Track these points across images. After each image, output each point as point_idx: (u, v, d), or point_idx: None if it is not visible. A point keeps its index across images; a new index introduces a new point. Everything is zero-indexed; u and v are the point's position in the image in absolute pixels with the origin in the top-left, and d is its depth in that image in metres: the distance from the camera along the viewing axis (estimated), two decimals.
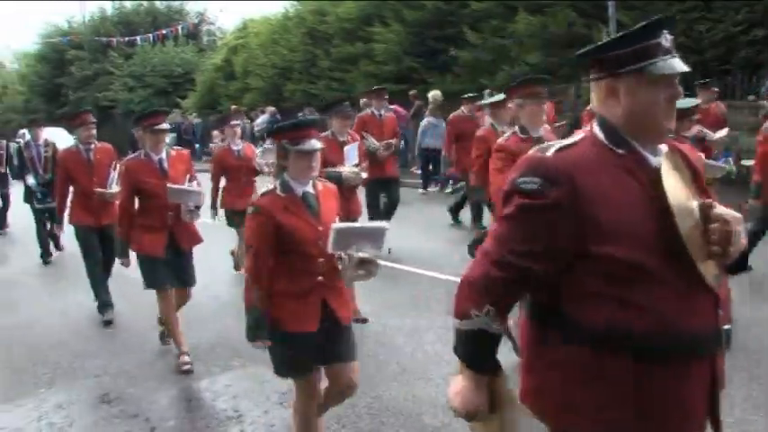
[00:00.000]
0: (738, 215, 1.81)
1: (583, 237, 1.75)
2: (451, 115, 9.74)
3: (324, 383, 3.55)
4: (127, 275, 6.29)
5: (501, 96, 6.41)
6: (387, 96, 8.96)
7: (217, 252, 7.69)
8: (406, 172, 14.47)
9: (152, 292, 5.24)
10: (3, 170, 11.08)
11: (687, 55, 2.91)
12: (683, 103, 4.47)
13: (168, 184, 5.10)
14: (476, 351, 1.93)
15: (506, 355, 2.04)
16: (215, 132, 20.86)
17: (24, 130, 11.22)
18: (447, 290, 6.73)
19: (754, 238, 6.07)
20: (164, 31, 31.27)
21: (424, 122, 13.03)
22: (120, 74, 31.70)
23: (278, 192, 3.32)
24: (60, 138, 12.77)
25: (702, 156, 2.80)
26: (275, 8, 45.97)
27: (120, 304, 6.63)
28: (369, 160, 6.93)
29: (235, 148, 7.51)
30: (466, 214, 9.73)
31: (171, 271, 5.18)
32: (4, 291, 8.00)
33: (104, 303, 6.52)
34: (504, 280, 1.84)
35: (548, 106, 6.56)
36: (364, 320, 5.86)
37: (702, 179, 1.97)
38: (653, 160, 1.83)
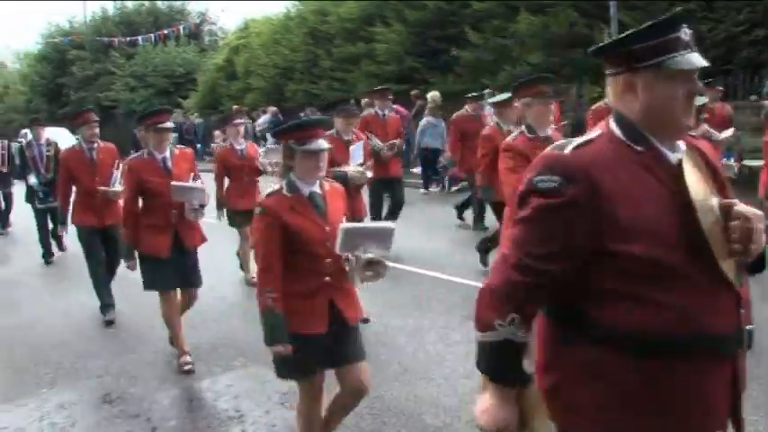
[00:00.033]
0: (760, 212, 1.78)
1: (600, 234, 1.72)
2: (455, 115, 9.73)
3: (333, 391, 3.48)
4: (129, 276, 6.28)
5: (506, 95, 6.39)
6: (391, 96, 8.96)
7: (222, 253, 7.67)
8: (408, 172, 14.45)
9: (154, 293, 5.22)
10: (5, 170, 11.11)
11: None
12: None
13: (172, 182, 5.06)
14: (502, 363, 1.87)
15: None
16: (216, 132, 20.95)
17: (26, 130, 11.22)
18: (449, 290, 6.75)
19: None
20: (165, 31, 31.32)
21: (423, 122, 13.05)
22: (122, 74, 31.75)
23: (284, 192, 3.29)
24: (62, 138, 12.78)
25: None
26: (277, 8, 46.06)
27: (121, 305, 6.63)
28: (373, 160, 6.93)
29: (238, 147, 7.47)
30: (472, 214, 9.71)
31: (175, 272, 5.12)
32: (7, 291, 8.00)
33: (106, 304, 6.50)
34: (526, 284, 1.79)
35: (554, 106, 6.55)
36: (366, 320, 5.85)
37: (721, 176, 1.93)
38: (671, 156, 1.80)
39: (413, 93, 16.01)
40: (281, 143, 3.45)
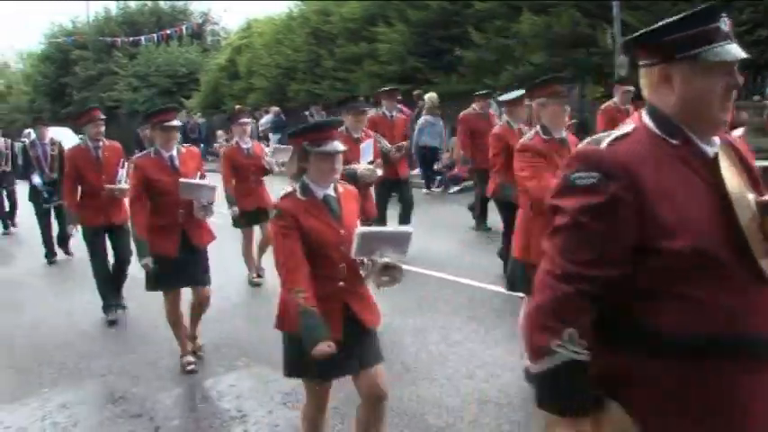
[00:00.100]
0: None
1: (642, 231, 1.65)
2: (462, 113, 9.70)
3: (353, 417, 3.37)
4: (134, 276, 6.31)
5: (517, 93, 6.34)
6: (399, 97, 8.93)
7: (229, 253, 7.65)
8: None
9: (159, 293, 5.20)
10: (8, 169, 11.13)
11: None
12: None
13: (180, 179, 5.02)
14: (569, 390, 1.70)
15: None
16: (219, 132, 21.01)
17: (30, 130, 11.22)
18: (455, 291, 6.75)
19: None
20: (168, 31, 31.38)
21: (421, 121, 13.05)
22: (125, 74, 31.84)
23: (298, 195, 3.21)
24: (66, 137, 12.82)
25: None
26: (279, 8, 46.24)
27: (126, 304, 6.64)
28: (382, 160, 6.91)
29: (244, 146, 7.43)
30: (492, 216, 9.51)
31: (183, 271, 5.07)
32: (10, 291, 8.02)
33: (109, 304, 6.50)
34: (576, 294, 1.67)
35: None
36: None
37: (755, 173, 1.87)
38: (708, 150, 1.74)
39: (415, 93, 16.01)
40: (292, 144, 3.36)
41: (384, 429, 3.38)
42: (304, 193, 3.22)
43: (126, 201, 5.85)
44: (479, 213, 9.44)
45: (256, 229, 7.51)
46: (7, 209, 11.89)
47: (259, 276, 7.49)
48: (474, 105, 9.67)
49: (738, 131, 7.19)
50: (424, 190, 13.40)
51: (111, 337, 6.14)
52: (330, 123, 3.42)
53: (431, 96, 13.18)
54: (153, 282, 5.13)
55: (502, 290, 5.90)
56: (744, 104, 11.40)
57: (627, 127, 1.80)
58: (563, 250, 1.71)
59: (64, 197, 6.86)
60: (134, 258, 5.47)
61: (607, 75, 13.06)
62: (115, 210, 6.44)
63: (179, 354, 5.24)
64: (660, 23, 1.75)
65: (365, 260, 3.24)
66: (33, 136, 9.58)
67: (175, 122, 5.24)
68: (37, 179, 9.12)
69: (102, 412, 4.61)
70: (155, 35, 31.35)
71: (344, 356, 3.12)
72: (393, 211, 8.11)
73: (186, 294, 5.32)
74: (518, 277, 4.46)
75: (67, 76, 35.10)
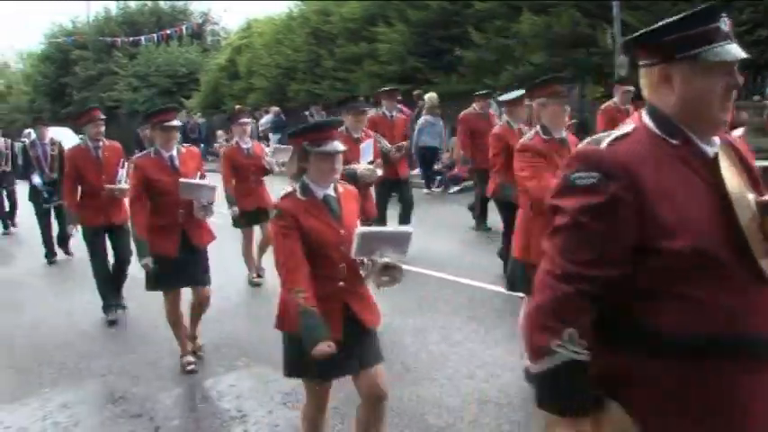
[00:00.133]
0: None
1: (642, 231, 1.66)
2: (462, 113, 9.70)
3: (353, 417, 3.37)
4: (134, 276, 6.30)
5: (517, 93, 6.34)
6: (399, 97, 8.94)
7: (229, 253, 7.66)
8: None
9: (159, 293, 5.20)
10: (8, 169, 11.12)
11: None
12: None
13: (180, 179, 5.02)
14: (569, 389, 1.71)
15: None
16: (219, 132, 21.02)
17: (30, 130, 11.22)
18: (455, 291, 6.75)
19: None
20: (168, 31, 31.40)
21: (420, 121, 13.06)
22: (125, 74, 31.85)
23: (298, 195, 3.21)
24: (65, 137, 12.80)
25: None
26: (279, 8, 46.22)
27: (126, 304, 6.64)
28: (381, 160, 6.90)
29: (244, 146, 7.43)
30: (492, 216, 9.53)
31: (182, 271, 5.07)
32: (10, 291, 8.01)
33: (109, 304, 6.50)
34: (576, 294, 1.68)
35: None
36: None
37: (755, 174, 1.88)
38: (708, 150, 1.75)
39: (415, 93, 16.02)
40: (292, 144, 3.36)
41: (384, 429, 3.38)
42: (304, 193, 3.22)
43: (126, 201, 5.85)
44: (479, 213, 9.44)
45: (256, 229, 7.51)
46: (7, 209, 11.89)
47: (259, 276, 7.49)
48: (474, 105, 9.67)
49: (738, 131, 7.19)
50: (424, 190, 13.39)
51: (111, 337, 6.14)
52: (330, 123, 3.41)
53: (431, 96, 13.19)
54: (153, 282, 5.13)
55: (502, 290, 5.90)
56: (744, 104, 11.40)
57: (627, 127, 1.80)
58: (563, 250, 1.71)
59: (64, 197, 6.85)
60: (134, 258, 5.47)
61: (607, 75, 13.07)
62: (115, 210, 6.44)
63: (179, 354, 5.24)
64: (660, 23, 1.75)
65: (365, 260, 3.24)
66: (33, 136, 9.58)
67: (175, 122, 5.24)
68: (37, 179, 9.12)
69: (103, 412, 4.61)
70: (155, 35, 31.37)
71: (344, 356, 3.12)
72: (393, 211, 8.10)
73: (186, 294, 5.32)
74: (518, 277, 4.46)
75: (67, 76, 35.11)
